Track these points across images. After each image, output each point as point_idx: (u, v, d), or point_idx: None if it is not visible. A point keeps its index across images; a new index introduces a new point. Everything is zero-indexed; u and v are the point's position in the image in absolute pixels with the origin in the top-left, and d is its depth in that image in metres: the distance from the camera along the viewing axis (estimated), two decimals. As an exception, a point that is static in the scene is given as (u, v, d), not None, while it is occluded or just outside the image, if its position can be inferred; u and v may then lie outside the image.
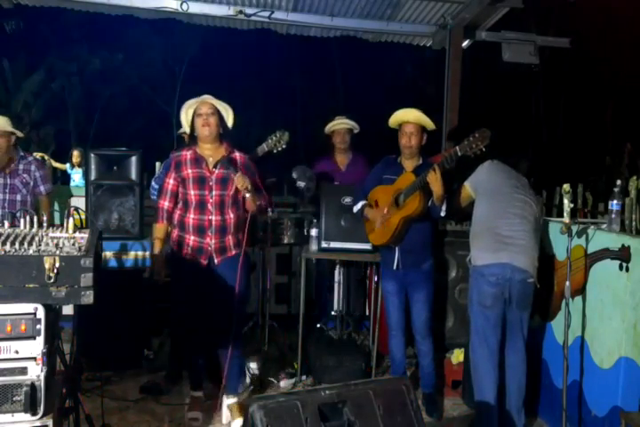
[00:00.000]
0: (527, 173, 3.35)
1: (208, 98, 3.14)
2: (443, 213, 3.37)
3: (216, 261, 3.18)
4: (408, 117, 3.43)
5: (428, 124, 3.43)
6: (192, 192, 3.14)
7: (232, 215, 3.19)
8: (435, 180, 3.15)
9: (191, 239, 3.16)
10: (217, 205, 3.14)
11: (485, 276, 3.10)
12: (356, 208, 3.66)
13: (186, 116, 3.17)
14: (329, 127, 4.77)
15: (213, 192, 3.14)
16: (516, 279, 3.05)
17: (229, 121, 3.19)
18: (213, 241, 3.15)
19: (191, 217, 3.15)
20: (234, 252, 3.21)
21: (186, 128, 3.22)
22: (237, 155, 3.24)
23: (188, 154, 3.19)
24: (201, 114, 3.11)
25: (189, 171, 3.16)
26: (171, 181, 3.21)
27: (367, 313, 4.91)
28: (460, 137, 3.12)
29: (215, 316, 3.19)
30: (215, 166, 3.16)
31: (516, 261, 3.04)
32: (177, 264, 3.24)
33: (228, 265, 3.18)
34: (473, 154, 2.98)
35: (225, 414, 3.27)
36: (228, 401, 3.27)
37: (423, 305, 3.51)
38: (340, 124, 4.72)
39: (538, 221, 3.19)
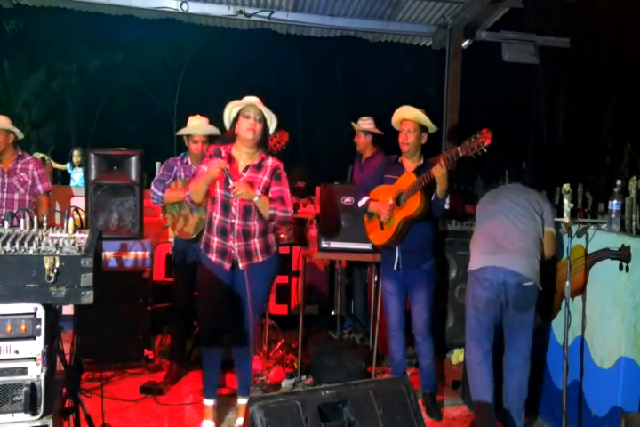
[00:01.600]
0: (531, 183, 3.36)
1: (257, 102, 3.08)
2: (447, 206, 3.37)
3: (241, 265, 3.09)
4: (406, 115, 3.44)
5: (428, 123, 3.43)
6: (218, 191, 3.07)
7: (257, 222, 3.09)
8: (441, 174, 3.14)
9: (215, 241, 3.10)
10: (241, 209, 3.05)
11: (480, 280, 3.10)
12: (361, 203, 3.62)
13: (229, 113, 3.10)
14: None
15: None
16: (510, 283, 3.03)
17: (272, 129, 3.16)
18: (236, 244, 3.07)
19: (217, 217, 3.09)
20: (261, 258, 3.13)
21: (226, 124, 3.15)
22: (270, 161, 3.17)
23: (224, 151, 3.11)
24: (249, 117, 3.03)
25: None
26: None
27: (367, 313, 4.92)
28: (460, 137, 3.12)
29: (234, 320, 3.16)
30: (245, 171, 3.09)
31: (510, 265, 3.03)
32: (204, 265, 3.20)
33: (254, 272, 3.10)
34: (474, 155, 2.98)
35: (239, 411, 3.30)
36: (240, 401, 3.28)
37: (424, 305, 3.51)
38: (355, 127, 4.83)
39: (540, 216, 3.16)
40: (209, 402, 3.27)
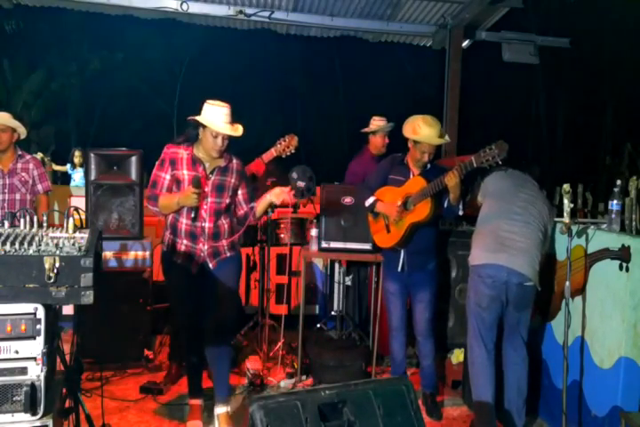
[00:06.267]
0: (539, 179, 3.34)
1: (230, 131, 2.94)
2: (461, 212, 3.39)
3: (211, 265, 3.07)
4: (432, 141, 3.32)
5: (447, 141, 3.44)
6: None
7: (225, 222, 3.09)
8: (454, 184, 3.12)
9: (183, 244, 3.04)
10: (211, 212, 3.01)
11: (482, 277, 3.10)
12: (368, 202, 3.57)
13: (204, 116, 2.94)
14: None
15: (208, 199, 3.00)
16: (512, 282, 3.04)
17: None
18: (206, 246, 3.04)
19: (183, 222, 3.03)
20: (228, 254, 3.11)
21: (190, 118, 2.98)
22: (235, 162, 3.11)
23: (185, 153, 3.01)
24: (218, 136, 2.93)
25: (185, 172, 2.99)
26: (167, 177, 3.03)
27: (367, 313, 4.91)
28: (460, 137, 3.11)
29: (208, 319, 3.10)
30: (212, 172, 3.03)
31: (512, 264, 3.03)
32: (171, 267, 3.14)
33: (222, 267, 3.08)
34: (488, 166, 2.97)
35: (216, 422, 3.18)
36: (218, 410, 3.17)
37: (427, 305, 3.51)
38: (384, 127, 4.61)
39: (544, 224, 3.17)
40: (195, 402, 3.26)
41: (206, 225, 3.03)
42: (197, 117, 2.95)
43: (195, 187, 2.89)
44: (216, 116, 2.93)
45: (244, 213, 3.19)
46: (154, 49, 19.22)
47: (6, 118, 4.08)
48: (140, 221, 4.17)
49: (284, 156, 3.85)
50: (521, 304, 3.10)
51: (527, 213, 3.13)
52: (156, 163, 3.10)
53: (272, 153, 3.87)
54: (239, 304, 3.26)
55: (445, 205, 3.35)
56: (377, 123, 4.54)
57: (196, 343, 3.18)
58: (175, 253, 3.07)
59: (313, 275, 5.35)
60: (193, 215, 2.98)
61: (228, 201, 3.08)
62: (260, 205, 3.15)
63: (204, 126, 2.95)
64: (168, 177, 3.03)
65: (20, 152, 4.19)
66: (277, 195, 3.03)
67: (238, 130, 2.99)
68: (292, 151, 3.82)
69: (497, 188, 3.30)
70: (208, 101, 2.98)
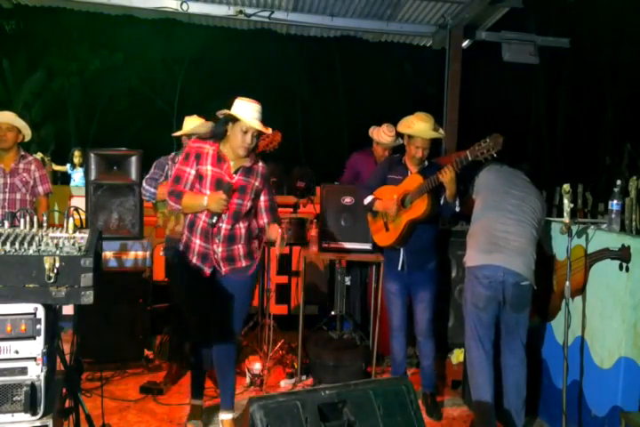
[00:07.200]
0: (529, 173, 3.35)
1: (260, 126, 2.86)
2: (457, 209, 3.37)
3: (223, 271, 2.98)
4: (426, 135, 3.33)
5: (442, 136, 3.44)
6: (208, 193, 2.89)
7: (243, 225, 2.99)
8: (449, 179, 3.13)
9: (197, 244, 2.96)
10: (231, 213, 2.92)
11: (479, 278, 3.10)
12: (366, 201, 3.58)
13: (235, 110, 2.86)
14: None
15: (230, 200, 2.91)
16: (509, 282, 3.04)
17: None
18: (220, 249, 2.94)
19: (202, 219, 2.93)
20: (244, 263, 3.01)
21: (219, 113, 2.91)
22: (260, 165, 3.03)
23: (210, 149, 2.94)
24: (247, 132, 2.86)
25: (209, 168, 2.91)
26: (192, 172, 2.93)
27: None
28: (460, 137, 3.11)
29: (213, 326, 3.07)
30: (236, 172, 2.95)
31: (508, 264, 3.03)
32: (181, 268, 3.09)
33: (236, 277, 3.00)
34: (484, 159, 2.97)
35: None
36: (223, 416, 3.17)
37: (427, 305, 3.51)
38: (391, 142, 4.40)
39: (537, 221, 3.17)
40: (195, 402, 3.26)
41: (223, 226, 2.94)
42: (229, 111, 2.88)
43: (225, 193, 2.84)
44: (248, 112, 2.86)
45: (263, 224, 3.10)
46: (154, 49, 19.20)
47: (12, 118, 4.11)
48: (140, 221, 4.17)
49: (267, 151, 3.83)
50: (518, 304, 3.10)
51: (520, 211, 3.13)
52: (180, 157, 3.02)
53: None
54: (246, 315, 3.24)
55: (442, 201, 3.35)
56: (384, 137, 4.30)
57: (202, 344, 3.16)
58: (189, 252, 3.00)
59: (313, 275, 5.35)
60: (214, 221, 2.89)
61: (249, 204, 2.97)
62: (267, 236, 3.07)
63: (234, 122, 2.88)
64: (193, 172, 2.94)
65: (22, 153, 4.20)
66: (274, 236, 2.90)
67: (268, 129, 2.94)
68: (276, 147, 3.80)
69: (489, 183, 3.29)
70: (239, 98, 2.91)
